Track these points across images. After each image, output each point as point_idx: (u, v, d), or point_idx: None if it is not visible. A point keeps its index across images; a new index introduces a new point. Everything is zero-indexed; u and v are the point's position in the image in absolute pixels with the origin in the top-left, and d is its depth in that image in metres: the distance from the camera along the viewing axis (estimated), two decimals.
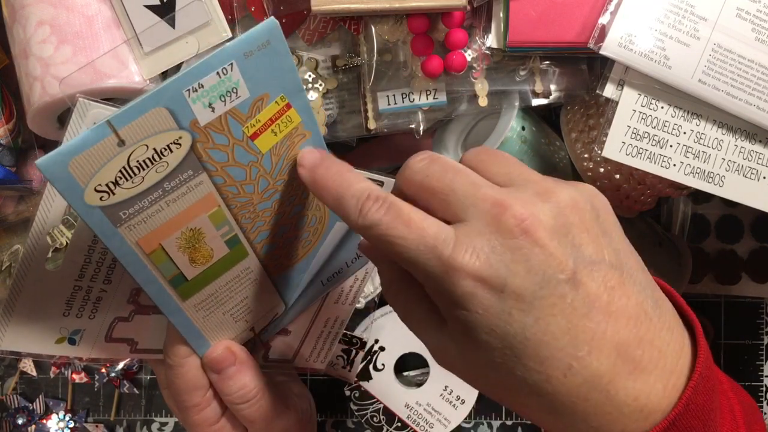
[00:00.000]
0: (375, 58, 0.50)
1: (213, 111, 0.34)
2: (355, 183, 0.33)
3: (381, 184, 0.42)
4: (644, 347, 0.30)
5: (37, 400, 0.64)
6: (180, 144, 0.34)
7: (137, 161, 0.33)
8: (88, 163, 0.32)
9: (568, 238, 0.30)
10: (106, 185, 0.33)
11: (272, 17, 0.35)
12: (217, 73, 0.34)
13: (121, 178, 0.33)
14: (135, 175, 0.34)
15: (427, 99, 0.51)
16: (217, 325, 0.42)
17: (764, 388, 0.64)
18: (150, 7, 0.46)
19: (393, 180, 0.44)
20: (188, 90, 0.33)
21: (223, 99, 0.34)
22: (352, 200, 0.33)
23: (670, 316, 0.32)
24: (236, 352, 0.43)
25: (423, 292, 0.33)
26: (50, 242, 0.40)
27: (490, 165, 0.33)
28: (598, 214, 0.32)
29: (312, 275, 0.45)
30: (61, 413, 0.64)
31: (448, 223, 0.31)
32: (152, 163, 0.34)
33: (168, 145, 0.34)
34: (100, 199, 0.33)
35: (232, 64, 0.34)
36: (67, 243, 0.40)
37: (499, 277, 0.30)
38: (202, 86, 0.33)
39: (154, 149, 0.33)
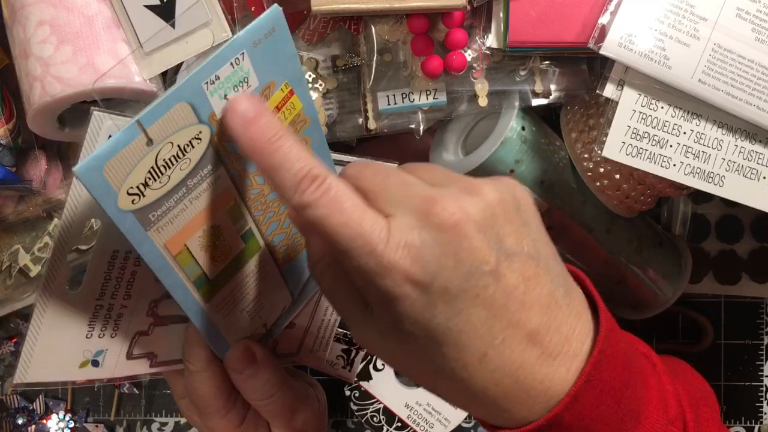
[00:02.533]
0: (375, 58, 0.50)
1: (228, 102, 0.34)
2: (293, 153, 0.31)
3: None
4: (552, 334, 0.32)
5: (37, 400, 0.64)
6: (200, 138, 0.34)
7: (164, 160, 0.33)
8: (121, 165, 0.31)
9: (493, 230, 0.31)
10: (137, 187, 0.32)
11: (275, 4, 0.35)
12: (231, 63, 0.34)
13: (150, 178, 0.33)
14: (162, 174, 0.33)
15: (427, 99, 0.51)
16: (234, 325, 0.42)
17: (764, 388, 0.64)
18: (150, 7, 0.46)
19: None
20: (206, 83, 0.33)
21: (236, 89, 0.34)
22: (289, 174, 0.31)
23: (579, 303, 0.34)
24: (255, 350, 0.43)
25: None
26: (70, 264, 0.38)
27: (418, 170, 0.34)
28: (519, 205, 0.33)
29: None
30: (61, 413, 0.64)
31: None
32: (177, 161, 0.34)
33: (190, 141, 0.34)
34: (132, 202, 0.33)
35: (243, 53, 0.34)
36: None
37: (429, 273, 0.31)
38: (219, 78, 0.33)
39: (178, 146, 0.33)
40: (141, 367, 0.43)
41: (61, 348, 0.39)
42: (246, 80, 0.35)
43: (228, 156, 0.36)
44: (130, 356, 0.42)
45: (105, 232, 0.37)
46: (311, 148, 0.40)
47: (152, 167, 0.33)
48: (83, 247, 0.45)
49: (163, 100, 0.32)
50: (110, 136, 0.36)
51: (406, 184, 0.32)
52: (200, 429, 0.46)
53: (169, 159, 0.33)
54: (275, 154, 0.31)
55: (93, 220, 0.37)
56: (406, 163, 0.36)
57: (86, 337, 0.40)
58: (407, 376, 0.35)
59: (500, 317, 0.31)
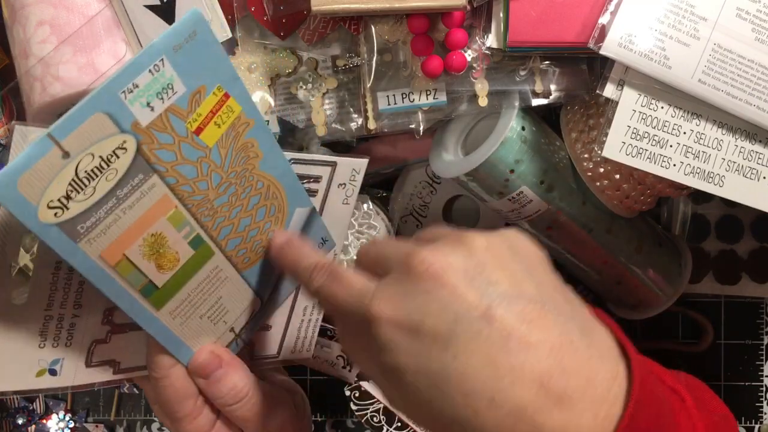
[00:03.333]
0: (375, 58, 0.50)
1: (153, 110, 0.34)
2: (306, 257, 0.40)
3: (334, 164, 0.45)
4: (569, 376, 0.30)
5: (37, 400, 0.64)
6: (125, 148, 0.33)
7: (85, 171, 0.32)
8: (36, 179, 0.31)
9: (482, 277, 0.32)
10: (59, 200, 0.32)
11: (194, 8, 0.35)
12: (149, 70, 0.33)
13: (72, 191, 0.32)
14: (86, 186, 0.33)
15: (427, 99, 0.51)
16: (197, 331, 0.42)
17: (764, 388, 0.64)
18: (150, 7, 0.46)
19: (346, 159, 0.46)
20: (123, 92, 0.33)
21: (160, 96, 0.34)
22: (305, 271, 0.39)
23: (601, 343, 0.32)
24: (221, 355, 0.43)
25: None
26: (10, 270, 0.38)
27: (422, 233, 0.37)
28: (516, 252, 0.34)
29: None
30: (61, 413, 0.64)
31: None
32: (101, 172, 0.33)
33: (114, 151, 0.33)
34: (55, 215, 0.32)
35: (162, 59, 0.33)
36: (26, 267, 0.40)
37: (413, 319, 0.32)
38: (137, 86, 0.33)
39: (101, 157, 0.33)
40: (103, 375, 0.43)
41: (14, 358, 0.39)
42: (171, 87, 0.34)
43: (162, 164, 0.35)
44: (89, 364, 0.42)
45: (42, 244, 0.36)
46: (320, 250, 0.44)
47: (73, 179, 0.32)
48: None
49: (75, 111, 0.31)
50: None
51: (398, 247, 0.35)
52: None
53: (92, 170, 0.33)
54: (296, 263, 0.40)
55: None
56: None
57: (39, 347, 0.40)
58: (429, 430, 0.35)
59: (502, 359, 0.30)
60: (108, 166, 0.33)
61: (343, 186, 0.47)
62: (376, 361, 0.34)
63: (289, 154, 0.43)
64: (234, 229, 0.40)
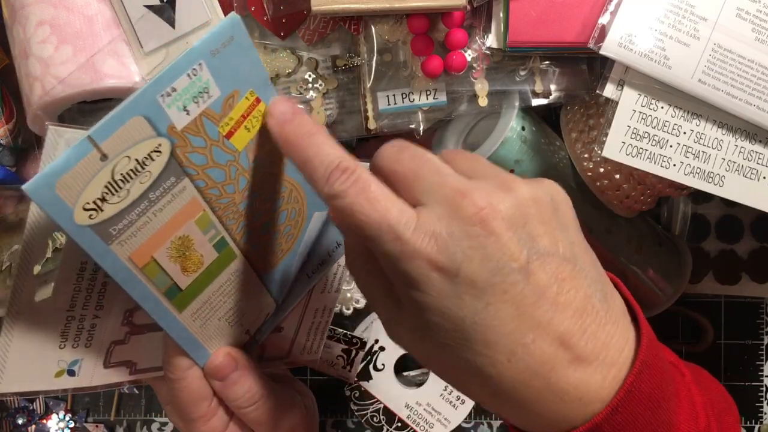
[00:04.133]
0: (375, 58, 0.50)
1: (188, 114, 0.34)
2: (325, 148, 0.33)
3: None
4: (587, 339, 0.31)
5: (37, 400, 0.64)
6: (160, 151, 0.34)
7: (121, 174, 0.33)
8: (74, 182, 0.31)
9: (525, 229, 0.31)
10: (94, 202, 0.32)
11: (233, 12, 0.35)
12: (188, 74, 0.33)
13: (107, 193, 0.33)
14: (120, 188, 0.33)
15: (427, 99, 0.51)
16: (215, 333, 0.42)
17: (764, 388, 0.64)
18: (150, 7, 0.46)
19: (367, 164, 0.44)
20: (162, 95, 0.33)
21: (196, 100, 0.34)
22: (321, 167, 0.33)
23: (618, 311, 0.33)
24: (237, 358, 0.43)
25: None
26: (38, 280, 0.38)
27: (458, 160, 0.34)
28: (557, 208, 0.33)
29: (298, 269, 0.45)
30: (61, 413, 0.64)
31: (412, 206, 0.32)
32: (136, 175, 0.33)
33: (149, 154, 0.33)
34: (89, 217, 0.32)
35: (201, 63, 0.34)
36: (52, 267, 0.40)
37: (454, 262, 0.30)
38: (175, 90, 0.33)
39: (136, 160, 0.33)
40: (120, 376, 0.43)
41: (34, 359, 0.39)
42: (206, 91, 0.34)
43: (194, 167, 0.36)
44: (107, 365, 0.42)
45: (70, 245, 0.36)
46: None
47: (109, 182, 0.32)
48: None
49: (115, 114, 0.32)
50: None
51: (440, 174, 0.32)
52: None
53: (127, 173, 0.33)
54: (308, 149, 0.33)
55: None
56: (454, 149, 0.36)
57: (60, 348, 0.40)
58: (439, 375, 0.35)
59: (530, 315, 0.31)
60: (143, 168, 0.33)
61: None
62: (400, 293, 0.33)
63: None
64: (256, 233, 0.40)
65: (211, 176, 0.37)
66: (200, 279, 0.39)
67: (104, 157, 0.32)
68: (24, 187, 0.30)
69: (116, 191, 0.33)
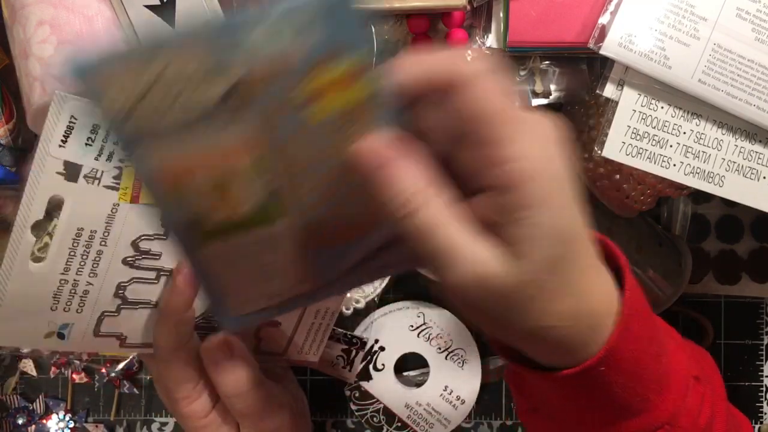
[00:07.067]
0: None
1: (281, 45, 0.30)
2: (402, 178, 0.31)
3: None
4: (608, 302, 0.33)
5: (37, 400, 0.64)
6: (236, 72, 0.30)
7: (181, 75, 0.29)
8: (127, 74, 0.29)
9: (576, 194, 0.31)
10: (142, 95, 0.29)
11: None
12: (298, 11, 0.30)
13: (157, 96, 0.30)
14: (172, 92, 0.30)
15: None
16: (234, 285, 0.38)
17: (764, 388, 0.64)
18: (150, 7, 0.46)
19: None
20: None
21: (294, 37, 0.30)
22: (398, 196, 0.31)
23: (604, 267, 0.34)
24: (233, 345, 0.43)
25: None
26: (34, 237, 0.39)
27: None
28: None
29: (349, 265, 0.40)
30: (61, 413, 0.64)
31: None
32: (198, 84, 0.30)
33: (220, 67, 0.30)
34: (131, 111, 0.30)
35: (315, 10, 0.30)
36: (49, 239, 0.40)
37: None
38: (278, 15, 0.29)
39: (205, 69, 0.29)
40: (110, 346, 0.44)
41: (26, 317, 0.40)
42: (311, 33, 0.30)
43: (271, 101, 0.31)
44: (97, 334, 0.43)
45: (69, 208, 0.36)
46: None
47: (163, 83, 0.29)
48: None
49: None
50: (73, 116, 0.35)
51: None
52: (169, 410, 0.47)
53: (187, 76, 0.29)
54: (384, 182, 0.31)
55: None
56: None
57: (51, 309, 0.40)
58: (490, 328, 0.34)
59: (587, 281, 0.32)
60: (211, 79, 0.30)
61: None
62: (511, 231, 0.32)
63: None
64: (323, 200, 0.35)
65: (286, 122, 0.32)
66: (237, 223, 0.35)
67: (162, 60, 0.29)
68: (72, 61, 0.28)
69: (169, 95, 0.30)
